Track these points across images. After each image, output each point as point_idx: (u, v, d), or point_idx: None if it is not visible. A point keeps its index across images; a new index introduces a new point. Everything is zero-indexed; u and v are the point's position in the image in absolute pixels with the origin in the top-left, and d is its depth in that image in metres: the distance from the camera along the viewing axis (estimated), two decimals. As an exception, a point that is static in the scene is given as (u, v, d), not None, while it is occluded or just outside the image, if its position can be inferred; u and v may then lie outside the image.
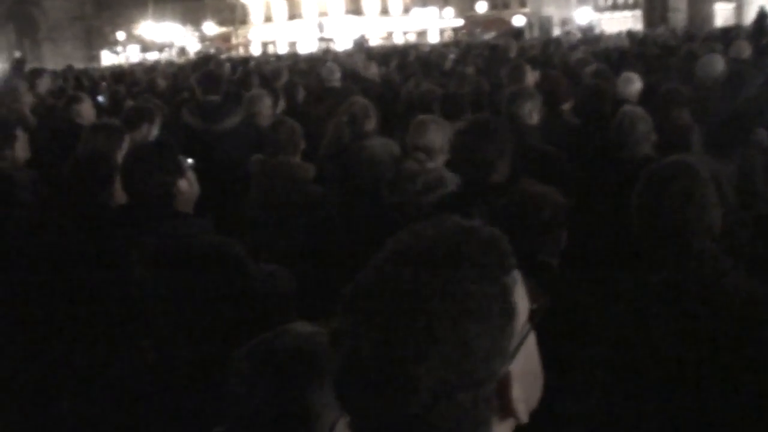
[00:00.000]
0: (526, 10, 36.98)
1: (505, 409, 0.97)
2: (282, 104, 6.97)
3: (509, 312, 0.96)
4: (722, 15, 26.18)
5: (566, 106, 5.73)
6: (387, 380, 0.91)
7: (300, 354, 1.36)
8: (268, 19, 57.00)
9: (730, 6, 27.36)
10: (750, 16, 22.80)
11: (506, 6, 53.19)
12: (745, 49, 8.42)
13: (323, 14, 51.66)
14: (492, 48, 14.08)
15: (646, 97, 5.89)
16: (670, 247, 2.20)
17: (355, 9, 53.75)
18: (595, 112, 5.46)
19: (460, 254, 0.95)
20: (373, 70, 10.00)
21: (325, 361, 1.24)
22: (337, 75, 8.75)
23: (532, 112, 4.70)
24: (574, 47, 13.30)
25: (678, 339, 2.09)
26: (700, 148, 4.18)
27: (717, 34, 14.04)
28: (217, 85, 6.13)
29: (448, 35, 46.55)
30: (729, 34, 12.44)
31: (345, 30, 44.28)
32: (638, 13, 27.41)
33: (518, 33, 24.44)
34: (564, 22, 28.05)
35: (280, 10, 56.53)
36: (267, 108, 5.98)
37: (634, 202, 2.31)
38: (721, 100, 5.21)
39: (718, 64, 6.61)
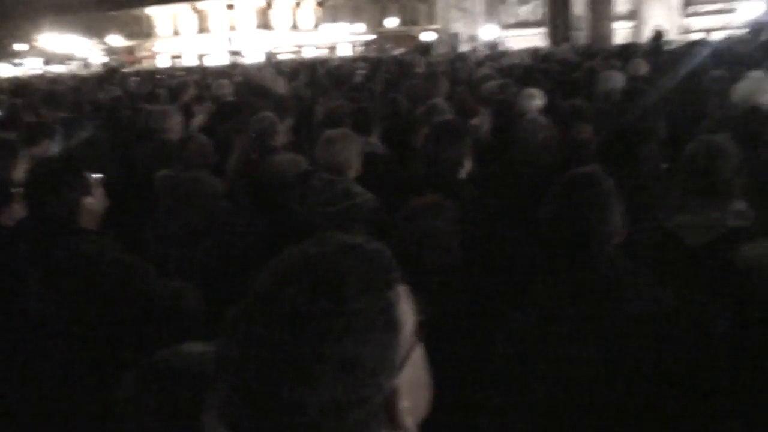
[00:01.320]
0: (436, 26, 37.53)
1: (394, 422, 0.97)
2: (201, 119, 6.90)
3: (394, 326, 0.97)
4: (621, 33, 27.19)
5: (474, 120, 5.86)
6: (273, 402, 0.91)
7: (189, 376, 1.34)
8: (175, 32, 56.01)
9: (629, 25, 28.44)
10: (647, 35, 23.79)
11: (415, 22, 53.83)
12: (642, 67, 8.77)
13: (233, 28, 51.18)
14: (399, 63, 14.25)
15: (548, 113, 6.07)
16: (575, 253, 2.28)
17: (265, 23, 53.47)
18: (502, 125, 5.63)
19: (343, 271, 0.95)
20: (281, 84, 9.98)
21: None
22: (228, 89, 8.79)
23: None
24: (480, 63, 13.57)
25: (581, 338, 2.16)
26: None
27: (616, 51, 14.57)
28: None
29: (359, 50, 46.78)
30: (627, 51, 12.91)
31: (255, 44, 43.97)
32: (543, 30, 28.18)
33: (427, 48, 24.77)
34: (471, 39, 28.60)
35: (189, 23, 55.66)
36: (176, 123, 5.89)
37: (543, 210, 2.39)
38: (617, 115, 5.42)
39: (616, 80, 6.88)
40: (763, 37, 16.74)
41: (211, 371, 1.25)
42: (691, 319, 2.23)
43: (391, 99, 6.81)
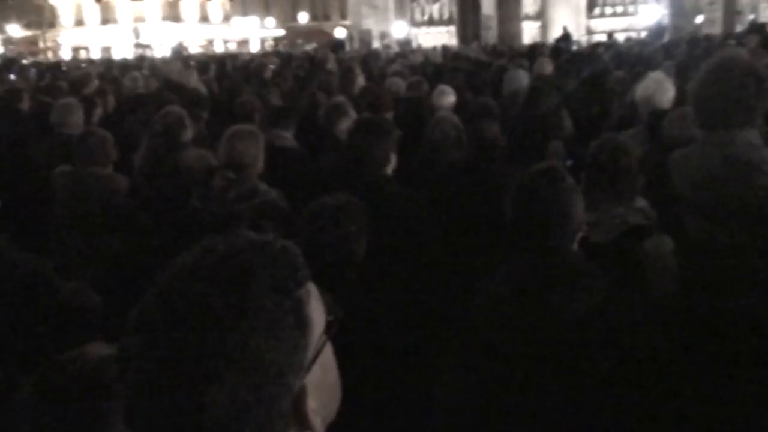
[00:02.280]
0: (347, 22, 37.53)
1: (301, 423, 0.96)
2: (99, 112, 6.68)
3: (303, 325, 0.95)
4: (529, 33, 27.79)
5: (387, 115, 5.88)
6: (177, 403, 0.88)
7: (91, 381, 1.29)
8: (79, 22, 54.16)
9: (537, 25, 29.11)
10: (554, 35, 24.42)
11: (327, 18, 53.74)
12: (547, 66, 8.98)
13: (139, 20, 49.88)
14: (310, 59, 14.19)
15: (458, 110, 6.14)
16: (536, 247, 2.30)
17: (173, 15, 52.35)
18: (413, 122, 5.68)
19: (251, 269, 0.93)
20: (194, 78, 9.78)
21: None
22: (141, 83, 8.58)
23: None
24: (391, 60, 13.65)
25: (532, 333, 2.17)
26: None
27: (524, 50, 14.89)
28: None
29: (270, 45, 46.36)
30: (534, 51, 13.21)
31: (162, 36, 42.98)
32: (453, 29, 28.53)
33: (339, 45, 24.74)
34: (383, 36, 28.72)
35: (93, 13, 53.92)
36: (78, 118, 5.69)
37: (508, 206, 2.39)
38: (523, 114, 5.53)
39: (522, 79, 7.02)
40: (662, 40, 17.43)
41: (112, 375, 1.20)
42: (629, 319, 2.25)
43: (309, 94, 6.77)
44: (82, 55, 42.56)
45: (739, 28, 21.61)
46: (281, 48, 35.05)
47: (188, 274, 0.93)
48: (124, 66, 15.71)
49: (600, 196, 3.00)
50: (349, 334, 1.21)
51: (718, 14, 25.28)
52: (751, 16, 24.44)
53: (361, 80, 7.58)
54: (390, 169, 3.75)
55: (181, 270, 0.95)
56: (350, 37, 29.92)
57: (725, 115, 2.84)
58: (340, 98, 6.05)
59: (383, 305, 2.76)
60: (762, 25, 16.53)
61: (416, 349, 2.78)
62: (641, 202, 3.15)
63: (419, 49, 19.01)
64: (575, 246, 2.38)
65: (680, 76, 6.05)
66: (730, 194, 2.78)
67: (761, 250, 2.70)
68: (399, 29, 28.47)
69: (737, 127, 2.82)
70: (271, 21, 53.81)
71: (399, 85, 7.59)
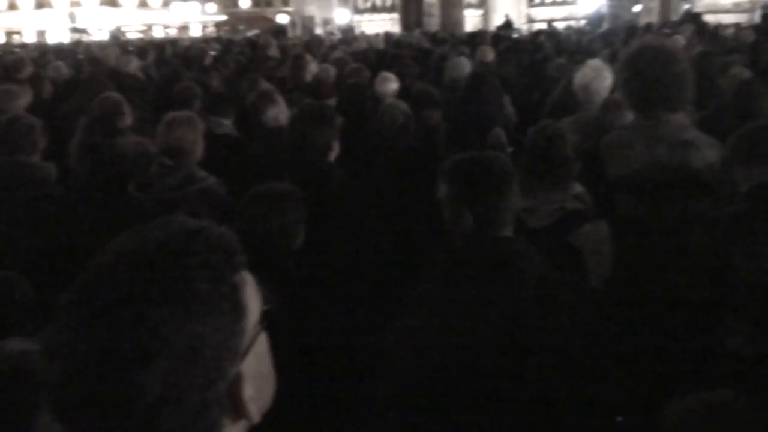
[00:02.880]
0: (289, 8, 37.19)
1: (237, 410, 0.96)
2: (27, 99, 6.48)
3: (239, 311, 0.96)
4: (471, 21, 27.94)
5: (330, 102, 5.87)
6: (110, 388, 0.87)
7: (12, 374, 1.25)
8: (12, 6, 52.55)
9: (478, 13, 29.27)
10: (495, 23, 24.61)
11: (269, 4, 53.14)
12: (489, 53, 9.03)
13: (75, 4, 48.55)
14: (252, 45, 14.03)
15: (401, 97, 6.14)
16: (477, 236, 2.30)
17: (111, 0, 51.15)
18: (356, 108, 5.67)
19: (187, 254, 0.93)
20: (135, 65, 9.58)
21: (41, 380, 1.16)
22: (65, 71, 8.45)
23: (278, 116, 4.81)
24: (334, 47, 13.58)
25: (472, 315, 2.18)
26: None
27: (466, 38, 14.95)
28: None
29: (211, 31, 45.68)
30: (476, 38, 13.27)
31: (100, 21, 41.99)
32: (396, 16, 28.51)
33: (281, 31, 24.53)
34: (326, 22, 28.55)
35: (27, -3, 52.40)
36: (20, 103, 5.53)
37: (444, 195, 2.38)
38: (464, 101, 5.56)
39: (464, 66, 7.04)
40: (601, 28, 17.70)
41: (33, 369, 1.18)
42: (567, 299, 2.28)
43: (249, 80, 6.68)
44: (16, 39, 41.30)
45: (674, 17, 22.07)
46: (222, 34, 34.58)
47: (123, 259, 0.93)
48: (59, 51, 15.29)
49: (537, 182, 3.04)
50: (285, 323, 1.20)
51: (655, 3, 25.78)
52: (686, 6, 24.98)
53: (313, 67, 7.52)
54: (333, 156, 3.74)
55: (115, 254, 0.94)
56: (293, 23, 29.69)
57: (659, 99, 3.00)
58: (267, 85, 6.01)
59: (322, 294, 2.76)
60: (697, 15, 16.94)
61: (355, 339, 2.79)
62: (578, 188, 3.20)
63: (362, 36, 18.97)
64: (510, 231, 2.39)
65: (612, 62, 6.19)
66: (667, 172, 2.92)
67: (691, 228, 2.78)
68: (342, 16, 28.34)
69: (670, 110, 2.99)
70: (212, 6, 52.99)
71: (329, 72, 7.60)
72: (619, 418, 2.68)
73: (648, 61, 3.05)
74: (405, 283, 2.55)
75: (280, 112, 4.85)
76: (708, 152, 3.02)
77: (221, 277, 0.94)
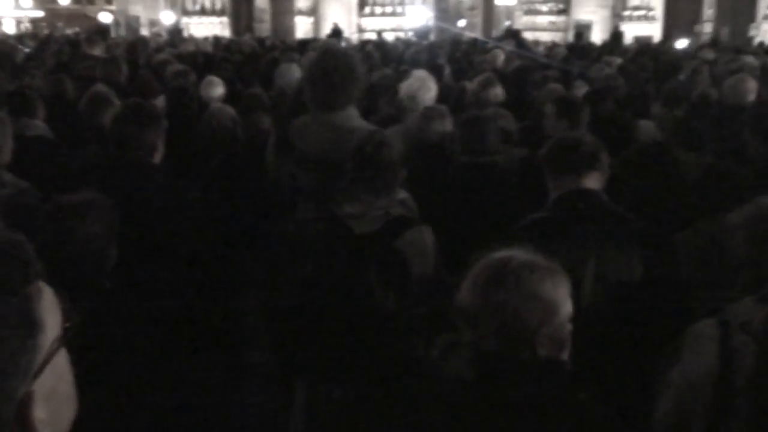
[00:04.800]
0: (113, 7, 35.67)
1: None
2: None
3: (30, 326, 0.88)
4: (302, 28, 27.99)
5: (158, 102, 5.70)
6: None
7: None
8: None
9: (309, 20, 29.37)
10: (326, 31, 24.81)
11: (91, 1, 50.71)
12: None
13: None
14: (73, 43, 13.35)
15: (230, 101, 6.05)
16: None
17: None
18: (181, 112, 5.54)
19: None
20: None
21: None
22: None
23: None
24: (160, 49, 13.16)
25: None
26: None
27: (296, 44, 14.96)
28: None
29: (26, 27, 42.98)
30: (306, 45, 13.30)
31: None
32: (226, 20, 28.06)
33: (104, 30, 23.46)
34: (152, 24, 27.64)
35: None
36: None
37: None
38: (293, 106, 5.55)
39: (294, 72, 7.03)
40: (428, 41, 18.27)
41: None
42: None
43: (56, 79, 6.32)
44: None
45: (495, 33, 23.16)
46: (39, 31, 32.61)
47: None
48: None
49: (363, 188, 3.06)
50: (97, 340, 1.13)
51: (479, 19, 26.98)
52: (507, 23, 26.29)
53: (125, 70, 7.24)
54: (158, 157, 3.58)
55: None
56: (116, 23, 28.52)
57: (334, 95, 3.59)
58: (101, 87, 5.74)
59: (141, 309, 2.63)
60: (516, 32, 17.86)
61: (176, 355, 2.70)
62: (403, 194, 3.26)
63: (191, 39, 18.51)
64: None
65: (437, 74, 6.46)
66: (337, 154, 3.33)
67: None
68: (168, 17, 27.53)
69: (344, 104, 3.61)
70: (27, 1, 49.86)
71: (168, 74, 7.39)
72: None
73: (328, 63, 3.61)
74: (236, 290, 2.51)
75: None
76: None
77: (9, 287, 0.87)
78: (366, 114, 6.32)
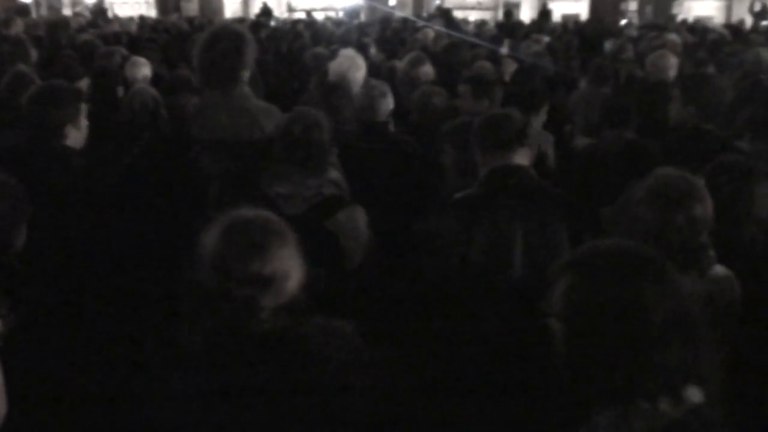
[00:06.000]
0: (33, -14, 34.45)
1: None
2: None
3: None
4: (231, 8, 27.52)
5: (81, 84, 5.53)
6: None
7: None
8: None
9: (238, 0, 28.90)
10: (255, 10, 24.45)
11: (9, -20, 48.91)
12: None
13: None
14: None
15: (155, 82, 5.92)
16: None
17: None
18: (104, 89, 5.42)
19: None
20: None
21: None
22: None
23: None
24: (82, 29, 12.77)
25: None
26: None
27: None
28: None
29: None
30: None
31: None
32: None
33: (24, 10, 22.63)
34: (75, 3, 26.80)
35: None
36: None
37: None
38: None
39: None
40: (358, 20, 18.20)
41: None
42: None
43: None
44: None
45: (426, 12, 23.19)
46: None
47: None
48: None
49: (294, 168, 3.04)
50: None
51: (409, -2, 26.95)
52: (437, 2, 26.31)
53: (33, 53, 7.00)
54: (76, 141, 3.47)
55: None
56: (37, 2, 27.55)
57: (223, 74, 3.60)
58: (23, 67, 5.54)
59: (61, 296, 2.56)
60: (447, 10, 17.91)
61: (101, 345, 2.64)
62: (334, 174, 3.25)
63: (115, 19, 18.01)
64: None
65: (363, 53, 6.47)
66: (235, 132, 3.52)
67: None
68: (91, -3, 26.69)
69: (233, 83, 3.60)
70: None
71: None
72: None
73: (218, 42, 3.61)
74: (165, 276, 2.47)
75: None
76: (263, 119, 3.56)
77: None
78: (297, 93, 6.30)
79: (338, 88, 4.40)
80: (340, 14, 24.01)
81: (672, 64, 6.07)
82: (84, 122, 3.50)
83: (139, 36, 11.38)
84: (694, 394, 1.46)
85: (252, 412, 1.78)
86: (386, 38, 11.32)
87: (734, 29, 14.41)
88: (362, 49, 7.51)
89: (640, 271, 1.48)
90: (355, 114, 4.29)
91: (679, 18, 20.79)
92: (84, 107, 3.50)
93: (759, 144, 4.05)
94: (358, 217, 3.10)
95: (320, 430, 1.81)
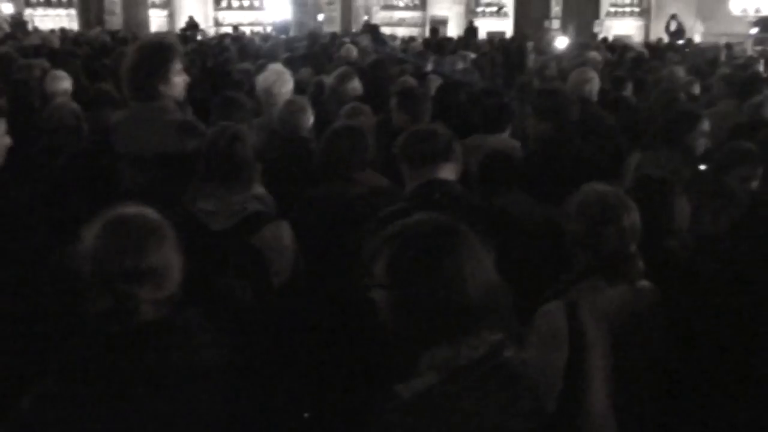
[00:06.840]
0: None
1: None
2: None
3: None
4: (156, 21, 27.12)
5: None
6: None
7: None
8: None
9: (164, 13, 28.49)
10: (181, 24, 24.18)
11: None
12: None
13: None
14: None
15: (75, 97, 5.78)
16: None
17: None
18: (23, 103, 5.29)
19: None
20: None
21: None
22: None
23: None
24: (0, 42, 12.43)
25: None
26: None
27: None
28: None
29: None
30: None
31: None
32: (74, 12, 26.77)
33: (-63, 22, 21.86)
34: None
35: None
36: None
37: None
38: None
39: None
40: (287, 35, 18.18)
41: None
42: None
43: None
44: None
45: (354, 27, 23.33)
46: None
47: None
48: None
49: (218, 184, 3.00)
50: None
51: (337, 14, 27.05)
52: (365, 18, 26.46)
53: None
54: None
55: None
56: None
57: (147, 88, 3.57)
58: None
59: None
60: (374, 26, 18.04)
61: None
62: (259, 189, 3.22)
63: (36, 32, 17.55)
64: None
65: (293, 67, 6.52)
66: (157, 146, 3.48)
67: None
68: (7, 8, 25.90)
69: (155, 98, 3.57)
70: None
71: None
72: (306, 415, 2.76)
73: (144, 54, 3.61)
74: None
75: None
76: (184, 134, 3.50)
77: None
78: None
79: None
80: (268, 29, 23.93)
81: (590, 78, 6.18)
82: (6, 140, 3.34)
83: (61, 49, 11.10)
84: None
85: (131, 400, 1.82)
86: (314, 54, 11.32)
87: (652, 48, 14.92)
88: (291, 64, 7.51)
89: (452, 240, 1.72)
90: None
91: (600, 36, 21.43)
92: (3, 123, 3.36)
93: (666, 152, 4.28)
94: (284, 232, 3.06)
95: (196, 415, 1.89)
